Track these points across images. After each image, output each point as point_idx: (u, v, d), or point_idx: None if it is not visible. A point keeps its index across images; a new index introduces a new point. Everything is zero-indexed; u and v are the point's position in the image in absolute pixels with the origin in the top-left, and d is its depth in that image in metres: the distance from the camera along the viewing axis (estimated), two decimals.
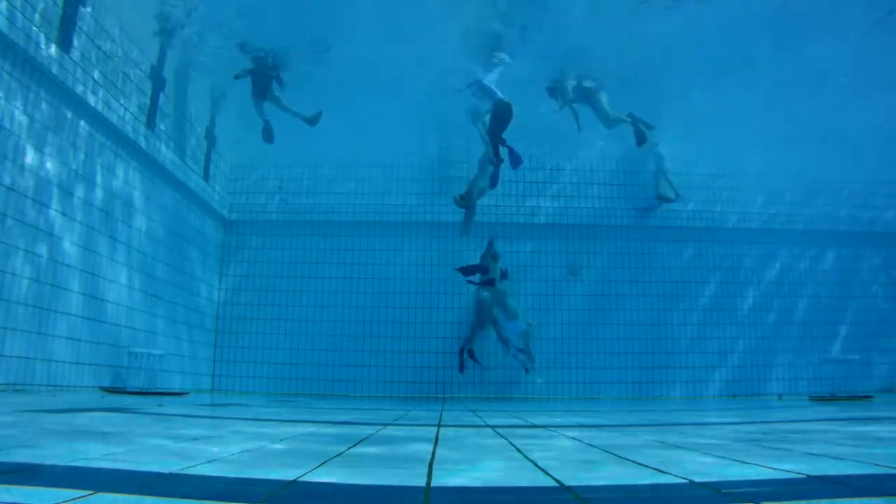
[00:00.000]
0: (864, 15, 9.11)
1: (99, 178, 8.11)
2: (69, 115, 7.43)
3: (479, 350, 11.81)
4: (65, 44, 7.22)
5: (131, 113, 8.76)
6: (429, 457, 2.49)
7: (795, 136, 12.34)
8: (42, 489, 1.60)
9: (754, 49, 10.07)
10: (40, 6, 6.76)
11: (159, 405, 5.84)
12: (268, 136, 11.05)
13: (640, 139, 11.36)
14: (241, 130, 12.17)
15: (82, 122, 7.71)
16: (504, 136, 10.10)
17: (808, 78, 10.57)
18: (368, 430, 3.76)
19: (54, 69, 6.94)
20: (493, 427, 4.19)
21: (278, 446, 2.81)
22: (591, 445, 2.99)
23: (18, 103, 6.53)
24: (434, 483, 1.88)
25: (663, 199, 12.73)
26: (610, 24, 9.49)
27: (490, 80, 10.20)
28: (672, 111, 11.81)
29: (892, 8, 8.86)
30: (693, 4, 8.73)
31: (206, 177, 11.69)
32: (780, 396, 11.94)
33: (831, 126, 11.75)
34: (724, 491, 1.76)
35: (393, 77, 10.59)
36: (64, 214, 7.33)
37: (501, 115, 9.82)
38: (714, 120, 11.79)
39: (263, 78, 10.34)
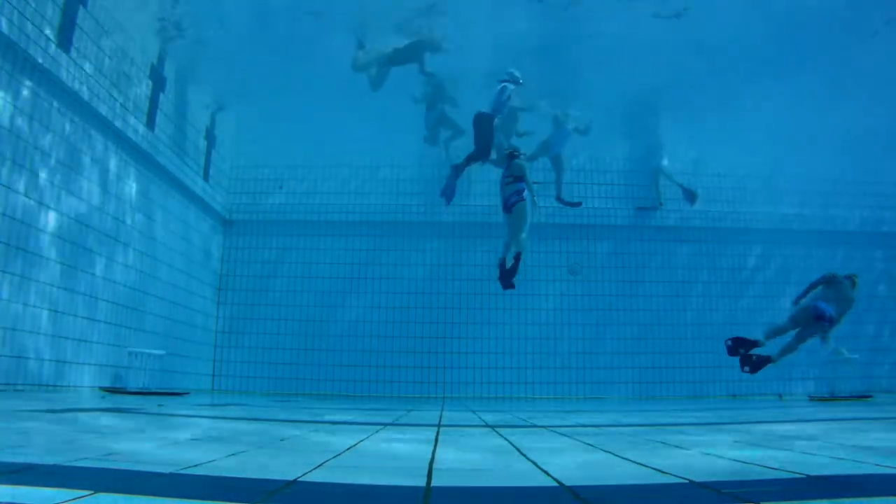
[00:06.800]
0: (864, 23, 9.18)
1: (98, 178, 8.11)
2: (68, 114, 7.43)
3: (483, 350, 11.89)
4: (64, 43, 7.22)
5: (131, 113, 8.76)
6: (429, 457, 2.49)
7: (796, 137, 12.37)
8: (42, 489, 1.60)
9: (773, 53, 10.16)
10: (40, 6, 6.75)
11: (159, 405, 5.84)
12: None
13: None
14: (241, 130, 12.22)
15: (82, 122, 7.70)
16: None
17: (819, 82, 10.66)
18: (368, 430, 3.76)
19: (53, 68, 6.93)
20: (493, 427, 4.19)
21: (278, 446, 2.81)
22: (590, 445, 2.99)
23: (16, 102, 6.53)
24: (434, 483, 1.88)
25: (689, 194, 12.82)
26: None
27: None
28: (680, 113, 11.91)
29: (889, 17, 8.93)
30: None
31: (206, 177, 11.69)
32: (780, 396, 11.94)
33: (828, 126, 11.80)
34: (724, 491, 1.75)
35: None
36: (63, 214, 7.33)
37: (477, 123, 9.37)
38: (726, 121, 11.86)
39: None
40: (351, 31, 9.93)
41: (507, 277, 8.91)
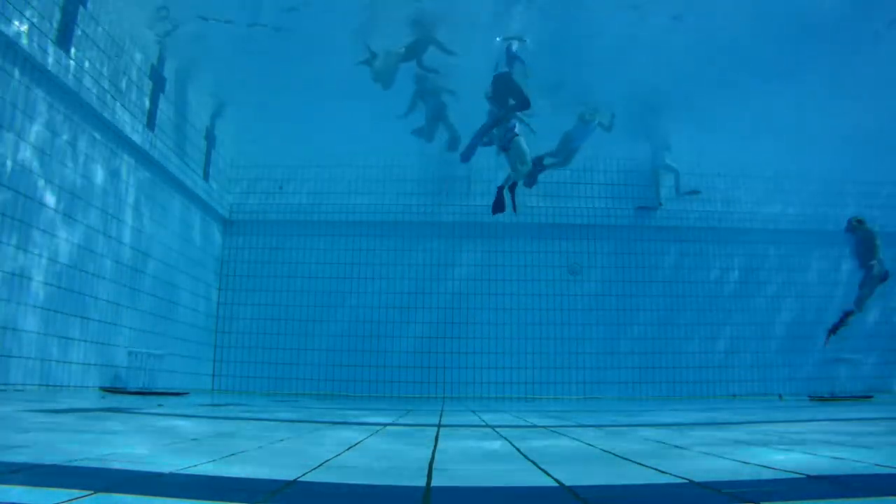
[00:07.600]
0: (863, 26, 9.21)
1: (98, 178, 8.11)
2: (68, 114, 7.43)
3: (483, 350, 11.86)
4: (64, 44, 7.22)
5: (131, 113, 8.75)
6: (429, 456, 2.49)
7: (797, 137, 12.37)
8: (42, 489, 1.60)
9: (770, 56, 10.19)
10: (40, 6, 6.75)
11: (159, 405, 5.84)
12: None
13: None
14: (241, 130, 12.20)
15: (82, 122, 7.70)
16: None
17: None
18: (368, 429, 3.76)
19: (53, 69, 6.93)
20: (493, 427, 4.19)
21: (279, 446, 2.81)
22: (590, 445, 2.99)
23: (15, 102, 6.53)
24: (434, 483, 1.88)
25: (690, 193, 12.83)
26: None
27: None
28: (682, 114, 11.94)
29: (891, 20, 8.95)
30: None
31: (205, 177, 11.69)
32: (780, 396, 11.93)
33: (829, 127, 11.79)
34: (724, 491, 1.75)
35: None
36: (62, 214, 7.33)
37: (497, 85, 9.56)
38: (727, 121, 11.86)
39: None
40: (359, 37, 9.97)
41: (500, 204, 9.72)
